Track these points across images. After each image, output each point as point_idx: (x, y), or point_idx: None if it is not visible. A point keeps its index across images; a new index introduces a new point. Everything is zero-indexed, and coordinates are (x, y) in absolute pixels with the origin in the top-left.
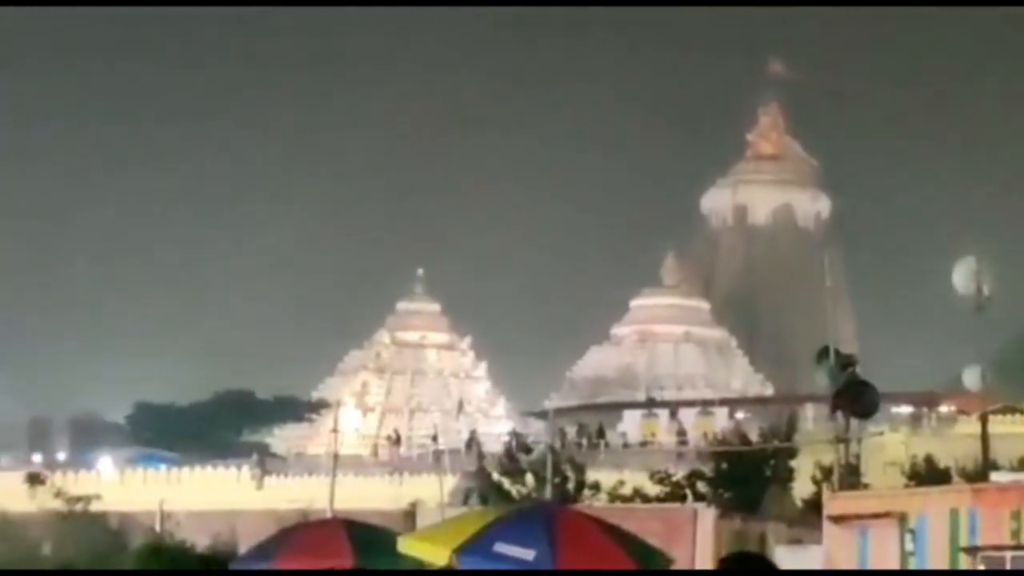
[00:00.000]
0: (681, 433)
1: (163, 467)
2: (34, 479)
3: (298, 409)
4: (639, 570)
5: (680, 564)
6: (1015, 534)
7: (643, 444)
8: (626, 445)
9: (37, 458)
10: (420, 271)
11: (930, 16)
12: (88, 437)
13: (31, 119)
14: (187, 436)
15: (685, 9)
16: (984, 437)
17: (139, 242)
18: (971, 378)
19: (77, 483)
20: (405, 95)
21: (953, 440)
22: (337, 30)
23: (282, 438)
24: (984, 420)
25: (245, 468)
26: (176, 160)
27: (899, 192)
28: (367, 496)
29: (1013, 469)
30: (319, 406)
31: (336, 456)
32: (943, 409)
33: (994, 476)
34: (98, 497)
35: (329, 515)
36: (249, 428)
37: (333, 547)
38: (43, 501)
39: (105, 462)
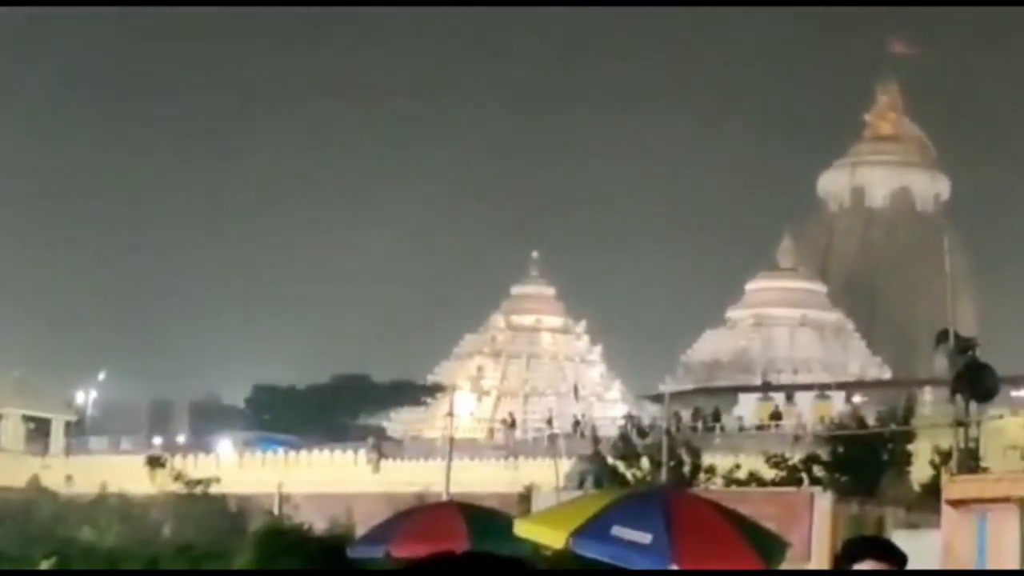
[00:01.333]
0: (776, 416)
1: (281, 450)
2: (154, 462)
3: (414, 393)
4: (770, 570)
5: (797, 548)
6: None
7: (759, 428)
8: (742, 429)
9: (157, 441)
10: (535, 254)
11: None
12: (208, 420)
13: (168, 107)
14: (305, 419)
15: None
16: None
17: (258, 228)
18: None
19: (197, 466)
20: (526, 82)
21: None
22: (459, 17)
23: (398, 421)
24: None
25: (362, 451)
26: (299, 148)
27: (1019, 173)
28: (483, 480)
29: None
30: (435, 390)
31: (452, 440)
32: None
33: None
34: (217, 480)
35: (445, 498)
36: (366, 412)
37: (449, 531)
38: (163, 484)
39: (224, 445)
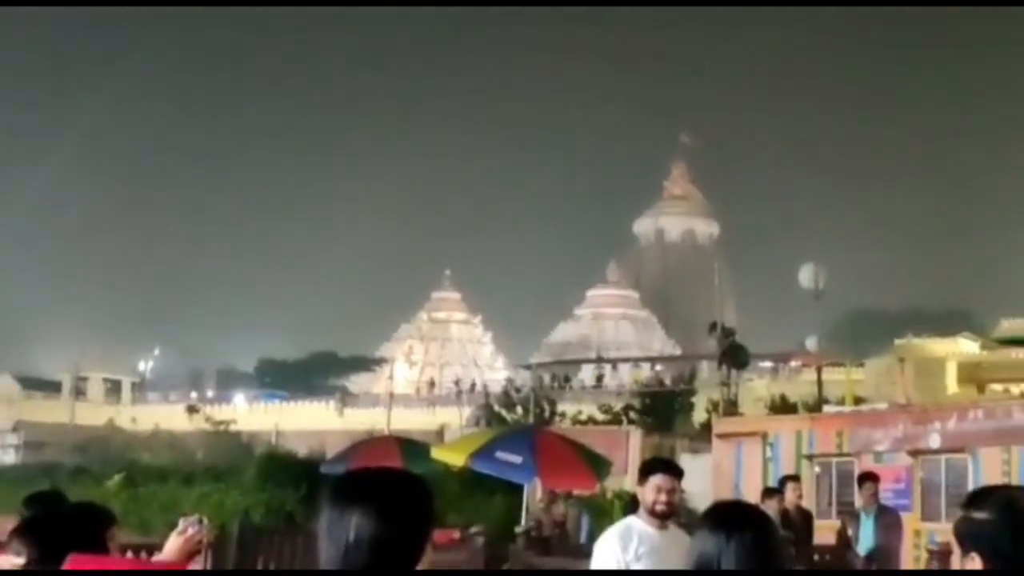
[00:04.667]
0: (600, 379)
1: (277, 402)
2: (192, 409)
3: (366, 363)
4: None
5: (618, 466)
6: (838, 446)
7: (594, 387)
8: (583, 388)
9: (194, 395)
10: (447, 271)
11: (794, 87)
12: (228, 381)
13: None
14: (293, 381)
15: (623, 92)
16: (819, 383)
17: (267, 240)
18: (811, 343)
19: (220, 412)
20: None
21: (799, 384)
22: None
23: (356, 382)
24: (819, 371)
25: (331, 403)
26: (297, 166)
27: (766, 219)
28: (412, 421)
29: (838, 404)
30: (380, 361)
31: (391, 395)
32: (793, 364)
33: (825, 408)
34: (234, 422)
35: (387, 433)
36: (333, 376)
37: (389, 454)
38: (197, 424)
39: (239, 398)
